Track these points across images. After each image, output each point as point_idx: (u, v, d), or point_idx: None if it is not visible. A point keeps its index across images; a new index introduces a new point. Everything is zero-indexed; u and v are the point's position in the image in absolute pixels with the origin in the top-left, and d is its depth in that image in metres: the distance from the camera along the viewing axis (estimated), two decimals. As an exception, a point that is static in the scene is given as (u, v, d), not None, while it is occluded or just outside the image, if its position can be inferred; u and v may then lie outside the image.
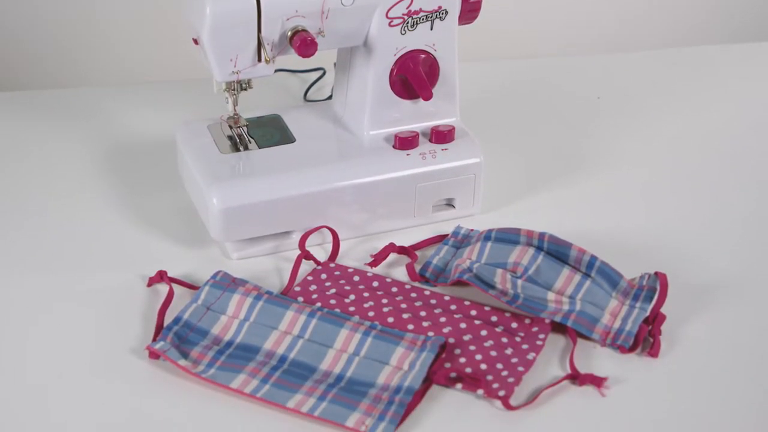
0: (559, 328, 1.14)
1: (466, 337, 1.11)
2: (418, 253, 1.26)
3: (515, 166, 1.42)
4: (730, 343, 1.13)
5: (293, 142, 1.29)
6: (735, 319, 1.16)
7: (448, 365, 1.08)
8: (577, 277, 1.17)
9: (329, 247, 1.26)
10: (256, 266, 1.23)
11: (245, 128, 1.30)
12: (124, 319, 1.14)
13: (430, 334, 1.11)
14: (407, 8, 1.24)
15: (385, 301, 1.16)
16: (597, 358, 1.10)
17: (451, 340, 1.10)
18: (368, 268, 1.23)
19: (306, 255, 1.23)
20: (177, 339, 1.10)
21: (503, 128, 1.51)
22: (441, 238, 1.28)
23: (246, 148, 1.28)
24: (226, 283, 1.16)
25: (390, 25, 1.24)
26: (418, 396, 1.04)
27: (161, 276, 1.18)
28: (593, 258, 1.18)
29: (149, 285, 1.19)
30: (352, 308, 1.15)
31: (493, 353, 1.09)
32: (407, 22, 1.25)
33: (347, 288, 1.18)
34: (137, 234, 1.28)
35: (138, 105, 1.55)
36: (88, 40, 1.92)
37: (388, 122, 1.29)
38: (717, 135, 1.52)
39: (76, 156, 1.43)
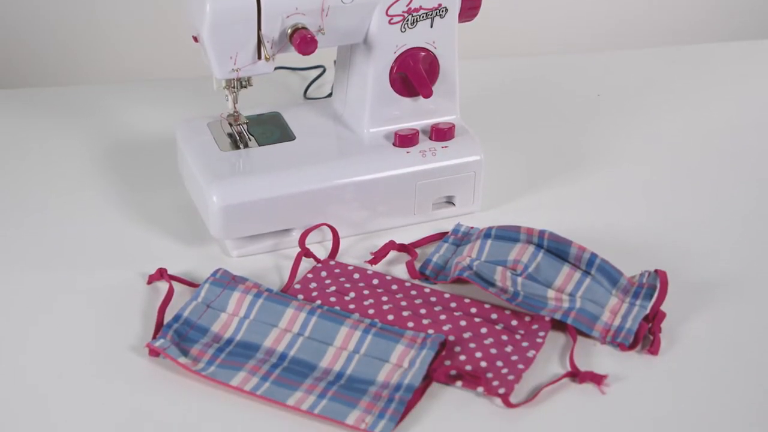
0: (559, 325, 1.14)
1: (466, 335, 1.11)
2: (418, 250, 1.26)
3: (515, 164, 1.42)
4: (730, 341, 1.13)
5: (293, 139, 1.29)
6: (735, 317, 1.16)
7: (448, 363, 1.08)
8: (577, 274, 1.17)
9: (329, 244, 1.26)
10: (256, 264, 1.23)
11: (245, 126, 1.30)
12: (124, 316, 1.14)
13: (430, 331, 1.11)
14: (407, 6, 1.24)
15: (385, 298, 1.16)
16: (597, 356, 1.10)
17: (451, 338, 1.10)
18: (368, 266, 1.23)
19: (306, 253, 1.23)
20: (177, 337, 1.10)
21: (503, 126, 1.51)
22: (441, 236, 1.28)
23: (246, 145, 1.28)
24: (226, 281, 1.16)
25: (390, 22, 1.24)
26: (418, 394, 1.04)
27: (161, 273, 1.18)
28: (593, 256, 1.18)
29: (149, 282, 1.19)
30: (352, 306, 1.15)
31: (493, 351, 1.09)
32: (407, 20, 1.25)
33: (347, 286, 1.18)
34: (137, 231, 1.28)
35: (138, 102, 1.55)
36: (88, 37, 1.92)
37: (388, 120, 1.29)
38: (717, 133, 1.51)
39: (77, 153, 1.43)
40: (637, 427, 1.02)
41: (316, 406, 1.02)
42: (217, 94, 1.29)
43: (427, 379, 1.06)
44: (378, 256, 1.23)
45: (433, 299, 1.17)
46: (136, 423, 1.02)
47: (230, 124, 1.30)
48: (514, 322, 1.13)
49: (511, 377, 1.06)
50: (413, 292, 1.18)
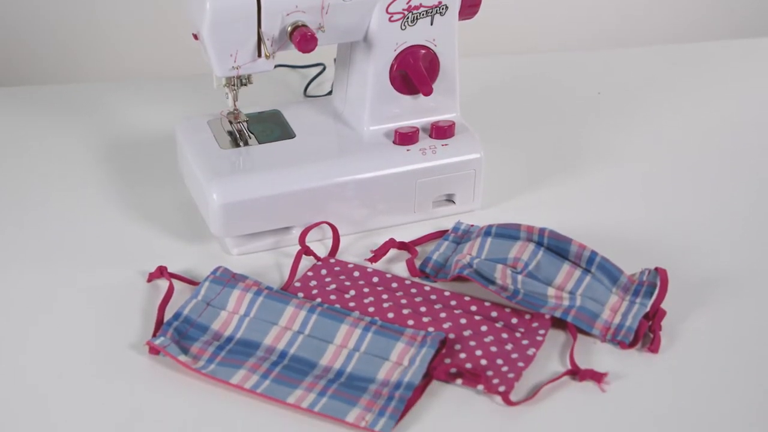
0: (559, 323, 1.14)
1: (466, 333, 1.11)
2: (418, 248, 1.26)
3: (515, 162, 1.42)
4: (730, 339, 1.12)
5: (293, 137, 1.29)
6: (735, 315, 1.16)
7: (448, 361, 1.08)
8: (578, 272, 1.17)
9: (329, 242, 1.26)
10: (256, 262, 1.23)
11: (245, 124, 1.30)
12: (124, 314, 1.14)
13: (430, 329, 1.11)
14: (407, 3, 1.24)
15: (385, 296, 1.16)
16: (597, 354, 1.10)
17: (451, 336, 1.10)
18: (368, 264, 1.23)
19: (306, 251, 1.23)
20: (177, 335, 1.10)
21: (503, 124, 1.51)
22: (441, 234, 1.28)
23: (246, 143, 1.28)
24: (226, 279, 1.16)
25: (390, 20, 1.24)
26: (418, 391, 1.04)
27: (161, 271, 1.18)
28: (593, 253, 1.18)
29: (149, 280, 1.19)
30: (352, 304, 1.15)
31: (493, 349, 1.09)
32: (407, 18, 1.25)
33: (347, 283, 1.18)
34: (137, 229, 1.28)
35: (138, 100, 1.55)
36: (88, 35, 1.92)
37: (388, 118, 1.29)
38: (717, 131, 1.51)
39: (77, 151, 1.43)
40: (637, 424, 1.02)
41: (316, 404, 1.02)
42: (217, 91, 1.29)
43: (427, 377, 1.06)
44: (378, 254, 1.23)
45: (433, 297, 1.17)
46: (136, 421, 1.01)
47: (230, 122, 1.30)
48: (515, 320, 1.13)
49: (511, 375, 1.06)
50: (413, 290, 1.18)
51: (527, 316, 1.14)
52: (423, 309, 1.14)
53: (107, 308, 1.15)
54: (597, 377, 1.06)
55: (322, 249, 1.25)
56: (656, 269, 1.18)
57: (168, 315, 1.13)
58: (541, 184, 1.38)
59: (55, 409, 1.03)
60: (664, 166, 1.43)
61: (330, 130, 1.31)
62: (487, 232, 1.22)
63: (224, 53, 1.20)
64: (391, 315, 1.13)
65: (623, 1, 2.11)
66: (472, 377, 1.05)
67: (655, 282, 1.16)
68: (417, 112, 1.30)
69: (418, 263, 1.23)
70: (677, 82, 1.64)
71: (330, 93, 1.50)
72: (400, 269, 1.22)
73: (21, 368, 1.07)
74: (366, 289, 1.17)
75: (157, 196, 1.34)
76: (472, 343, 1.10)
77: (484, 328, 1.12)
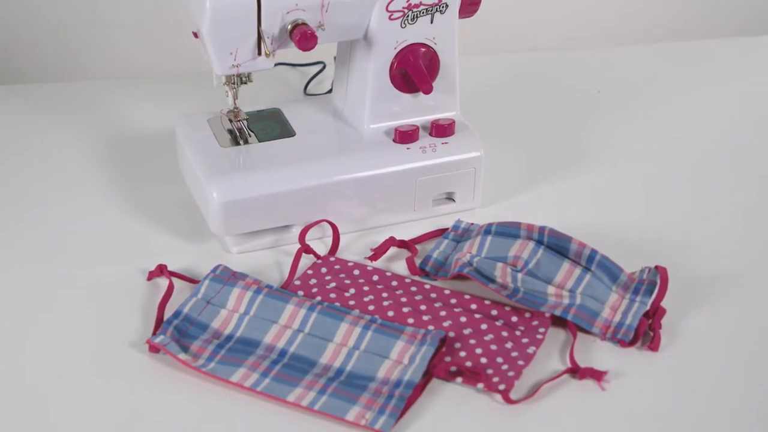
0: (559, 321, 1.14)
1: (466, 331, 1.11)
2: (418, 247, 1.26)
3: (515, 160, 1.42)
4: (730, 337, 1.12)
5: (293, 135, 1.29)
6: (735, 313, 1.16)
7: (448, 359, 1.08)
8: (578, 270, 1.17)
9: (329, 241, 1.26)
10: (256, 260, 1.23)
11: (245, 122, 1.30)
12: (124, 312, 1.14)
13: (430, 327, 1.11)
14: (407, 1, 1.23)
15: (385, 294, 1.16)
16: (597, 352, 1.10)
17: (451, 334, 1.10)
18: (368, 262, 1.23)
19: (306, 249, 1.23)
20: (177, 333, 1.10)
21: (503, 122, 1.51)
22: (441, 232, 1.27)
23: (246, 141, 1.28)
24: (226, 277, 1.16)
25: (390, 18, 1.24)
26: (418, 390, 1.04)
27: (161, 270, 1.18)
28: (593, 252, 1.18)
29: (149, 279, 1.19)
30: (352, 302, 1.15)
31: (494, 347, 1.09)
32: (407, 16, 1.24)
33: (347, 282, 1.18)
34: (137, 228, 1.28)
35: (138, 98, 1.55)
36: (88, 33, 1.92)
37: (389, 116, 1.29)
38: (717, 129, 1.51)
39: (76, 149, 1.43)
40: (637, 423, 1.02)
41: (316, 403, 1.02)
42: (217, 90, 1.29)
43: (427, 376, 1.06)
44: (378, 252, 1.23)
45: (433, 295, 1.17)
46: (136, 420, 1.01)
47: (230, 120, 1.30)
48: (515, 319, 1.13)
49: (511, 373, 1.06)
50: (413, 289, 1.18)
51: (527, 315, 1.14)
52: (423, 307, 1.14)
53: (107, 306, 1.15)
54: (597, 375, 1.06)
55: (322, 247, 1.25)
56: (656, 267, 1.18)
57: (168, 313, 1.13)
58: (541, 183, 1.38)
59: (55, 408, 1.03)
60: (665, 165, 1.43)
61: (330, 129, 1.31)
62: (487, 230, 1.22)
63: (224, 51, 1.20)
64: (391, 313, 1.13)
65: (623, -1, 2.11)
66: (472, 375, 1.05)
67: (655, 280, 1.16)
68: (417, 110, 1.30)
69: (418, 261, 1.23)
70: (677, 81, 1.64)
71: (330, 91, 1.50)
72: (400, 267, 1.22)
73: (21, 368, 1.07)
74: (366, 288, 1.17)
75: (157, 194, 1.34)
76: (472, 341, 1.10)
77: (484, 326, 1.12)
